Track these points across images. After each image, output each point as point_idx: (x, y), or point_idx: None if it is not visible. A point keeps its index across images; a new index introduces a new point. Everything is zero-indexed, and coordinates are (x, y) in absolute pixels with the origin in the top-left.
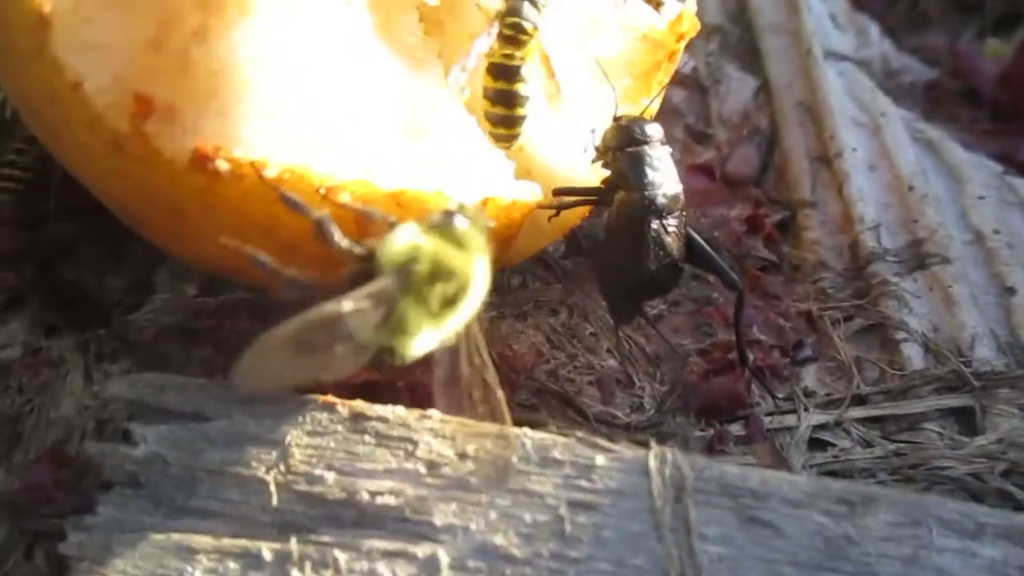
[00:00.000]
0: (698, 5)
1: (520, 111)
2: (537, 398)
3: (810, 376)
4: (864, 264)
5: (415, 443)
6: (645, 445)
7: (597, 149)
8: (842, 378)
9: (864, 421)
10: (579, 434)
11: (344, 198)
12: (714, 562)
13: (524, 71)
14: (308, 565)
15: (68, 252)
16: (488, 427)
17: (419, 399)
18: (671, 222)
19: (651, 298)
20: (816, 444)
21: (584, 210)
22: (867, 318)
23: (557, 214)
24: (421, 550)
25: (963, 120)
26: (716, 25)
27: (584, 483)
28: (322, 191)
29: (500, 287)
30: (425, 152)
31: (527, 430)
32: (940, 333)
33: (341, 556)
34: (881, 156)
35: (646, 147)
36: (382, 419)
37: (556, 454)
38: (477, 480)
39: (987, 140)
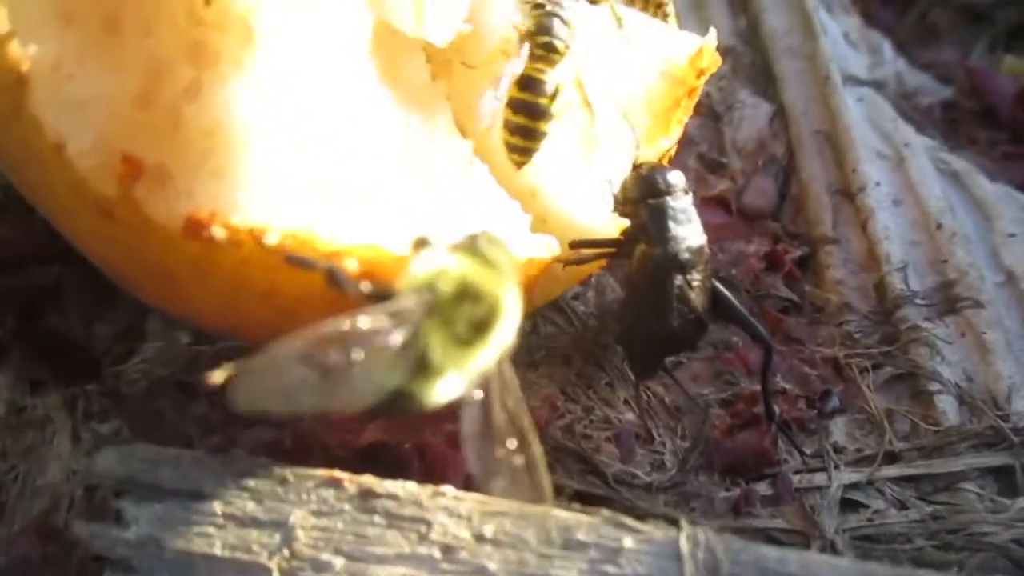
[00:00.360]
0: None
1: (542, 126)
2: (552, 457)
3: (839, 430)
4: (892, 308)
5: (428, 524)
6: (675, 523)
7: (616, 199)
8: (872, 432)
9: (898, 480)
10: (605, 512)
11: (351, 265)
12: None
13: (550, 87)
14: None
15: (52, 299)
16: (508, 505)
17: (429, 463)
18: (695, 276)
19: (674, 354)
20: (847, 504)
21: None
22: (897, 366)
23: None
24: None
25: (982, 143)
26: (728, 46)
27: (611, 569)
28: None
29: None
30: (436, 206)
31: (550, 509)
32: (974, 383)
33: None
34: (906, 191)
35: (668, 199)
36: (392, 496)
37: (580, 535)
38: (496, 567)
39: (1009, 165)
